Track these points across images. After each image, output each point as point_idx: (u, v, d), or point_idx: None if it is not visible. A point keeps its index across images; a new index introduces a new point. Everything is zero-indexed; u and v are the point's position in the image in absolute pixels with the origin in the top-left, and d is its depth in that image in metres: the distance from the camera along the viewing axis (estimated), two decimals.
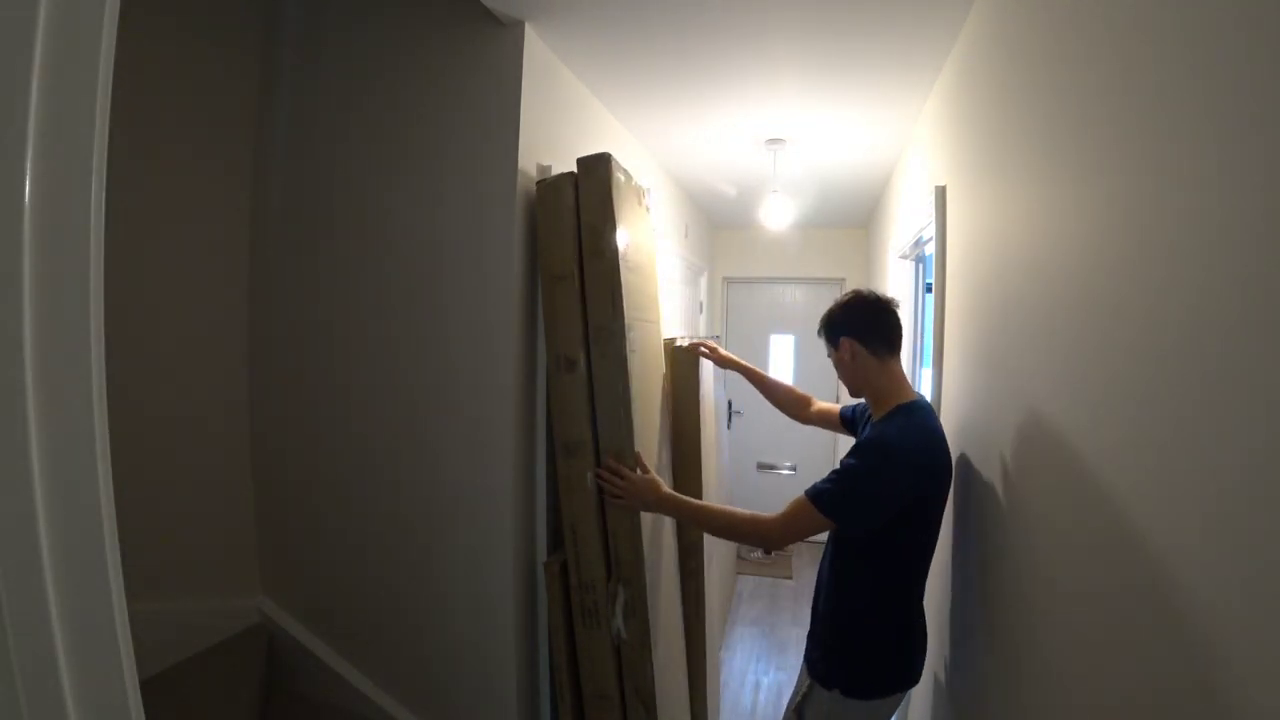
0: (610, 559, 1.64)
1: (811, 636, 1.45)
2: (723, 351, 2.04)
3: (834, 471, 1.26)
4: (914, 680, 1.35)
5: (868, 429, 1.43)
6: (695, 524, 1.51)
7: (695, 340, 2.06)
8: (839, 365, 1.44)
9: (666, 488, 1.51)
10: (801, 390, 1.92)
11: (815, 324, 1.50)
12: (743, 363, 2.01)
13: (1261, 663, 0.50)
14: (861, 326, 1.38)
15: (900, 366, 1.40)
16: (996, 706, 1.19)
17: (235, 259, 2.10)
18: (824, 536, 1.42)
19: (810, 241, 4.57)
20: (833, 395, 3.62)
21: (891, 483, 1.22)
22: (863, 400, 1.52)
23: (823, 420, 1.82)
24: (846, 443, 1.60)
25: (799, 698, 1.44)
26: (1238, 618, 0.54)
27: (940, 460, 1.29)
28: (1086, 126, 0.88)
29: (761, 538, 1.35)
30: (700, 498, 2.11)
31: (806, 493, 1.26)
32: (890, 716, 1.37)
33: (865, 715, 1.32)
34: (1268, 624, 0.50)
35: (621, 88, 2.11)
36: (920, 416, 1.31)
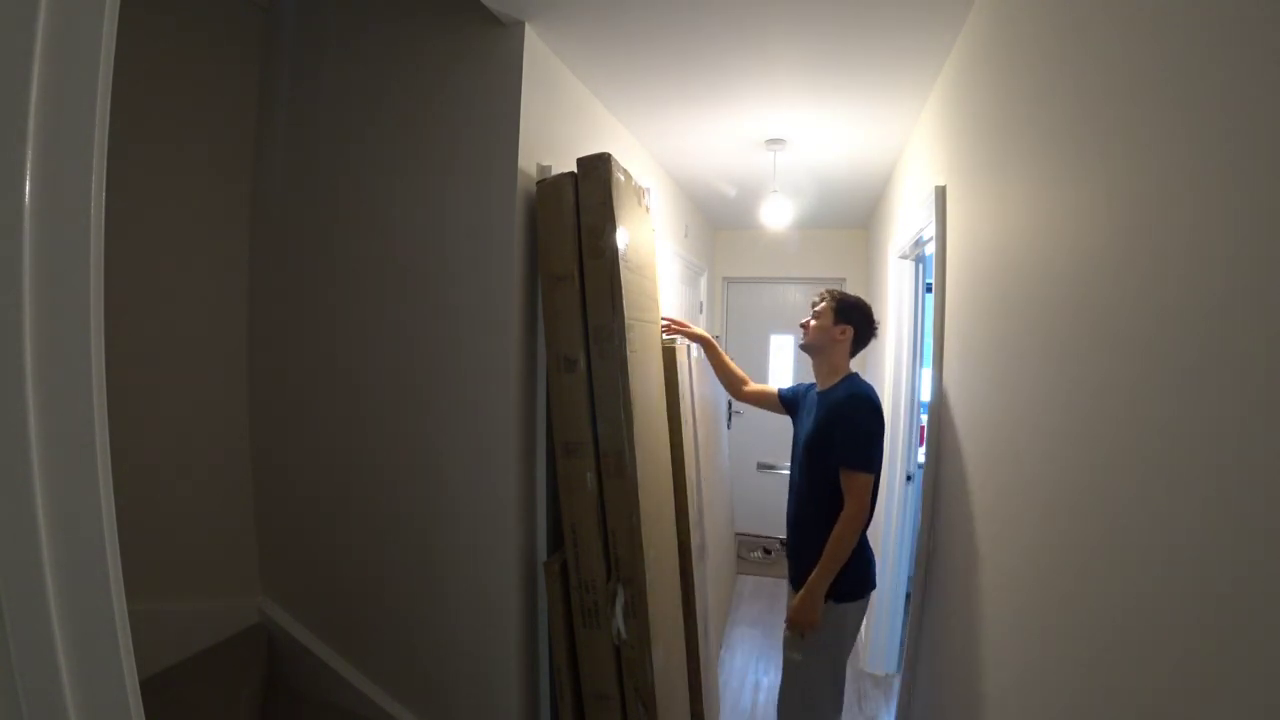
0: (610, 559, 1.64)
1: (800, 566, 1.78)
2: (692, 328, 2.26)
3: (845, 436, 1.67)
4: (874, 584, 1.83)
5: (817, 397, 1.85)
6: (840, 562, 1.68)
7: (666, 320, 2.22)
8: (824, 330, 1.82)
9: (808, 587, 1.68)
10: (744, 373, 2.25)
11: None
12: (707, 336, 2.29)
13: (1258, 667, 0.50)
14: (861, 330, 1.86)
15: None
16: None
17: (235, 259, 2.10)
18: (777, 488, 1.69)
19: (810, 241, 4.56)
20: None
21: (883, 424, 1.73)
22: (798, 383, 2.05)
23: (757, 399, 2.16)
24: None
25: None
26: (1235, 620, 0.54)
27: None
28: (1086, 126, 0.88)
29: (861, 526, 1.66)
30: (685, 496, 2.15)
31: (851, 467, 1.66)
32: (863, 613, 1.83)
33: (853, 613, 1.77)
34: (1265, 626, 0.50)
35: (621, 88, 2.11)
36: (865, 381, 1.81)
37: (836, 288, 1.92)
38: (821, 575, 1.66)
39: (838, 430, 1.70)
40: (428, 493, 1.80)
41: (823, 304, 1.86)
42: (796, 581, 1.81)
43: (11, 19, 0.46)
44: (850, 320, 1.83)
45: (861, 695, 2.75)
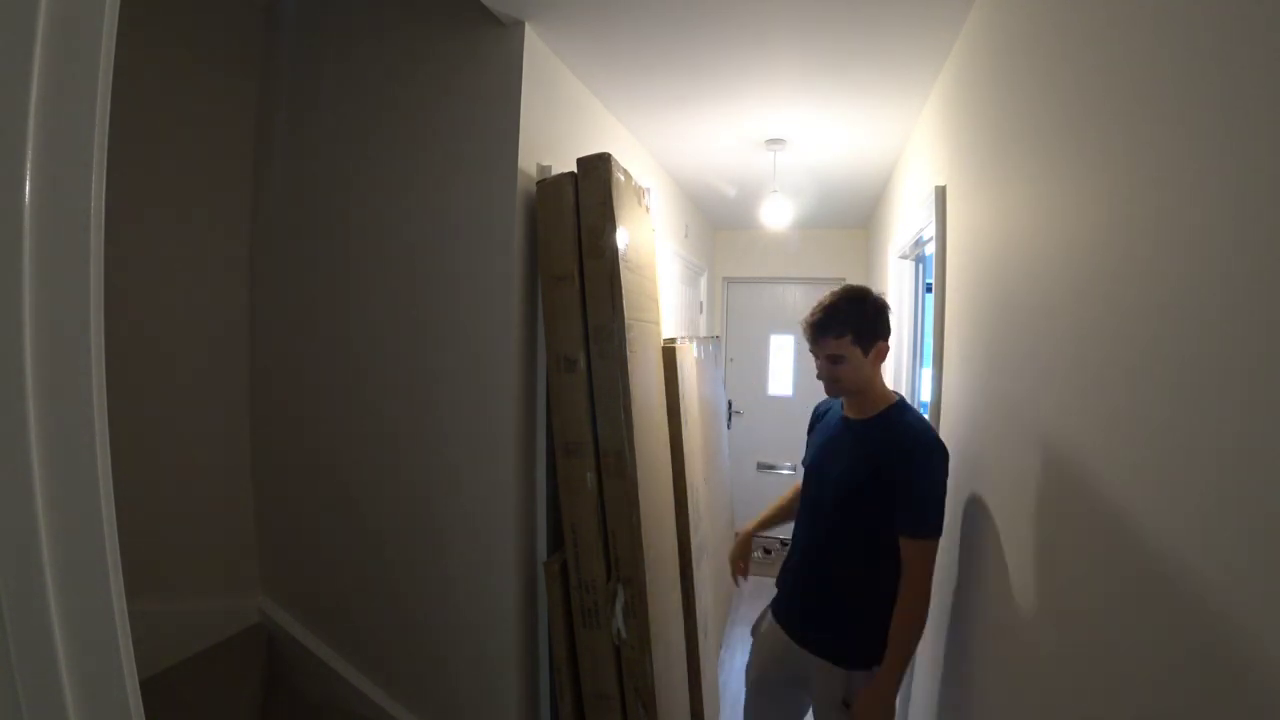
0: (610, 559, 1.64)
1: (819, 629, 1.45)
2: (749, 529, 1.76)
3: (917, 498, 1.30)
4: None
5: (847, 426, 1.46)
6: (913, 650, 1.36)
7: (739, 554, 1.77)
8: (859, 369, 1.38)
9: (881, 686, 1.33)
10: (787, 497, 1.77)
11: None
12: (772, 516, 1.76)
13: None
14: (888, 330, 1.41)
15: None
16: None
17: (236, 259, 2.10)
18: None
19: (810, 241, 4.57)
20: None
21: (948, 476, 1.33)
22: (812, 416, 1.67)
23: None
24: None
25: (840, 695, 1.40)
26: (1235, 614, 0.54)
27: None
28: (1087, 125, 0.88)
29: (925, 605, 1.34)
30: (685, 496, 2.11)
31: (916, 535, 1.30)
32: None
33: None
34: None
35: (621, 88, 2.11)
36: (913, 408, 1.43)
37: (831, 296, 1.42)
38: (894, 669, 1.32)
39: (902, 488, 1.31)
40: (427, 493, 1.80)
41: (836, 337, 1.37)
42: (846, 658, 1.42)
43: (11, 19, 0.46)
44: (878, 334, 1.40)
45: None
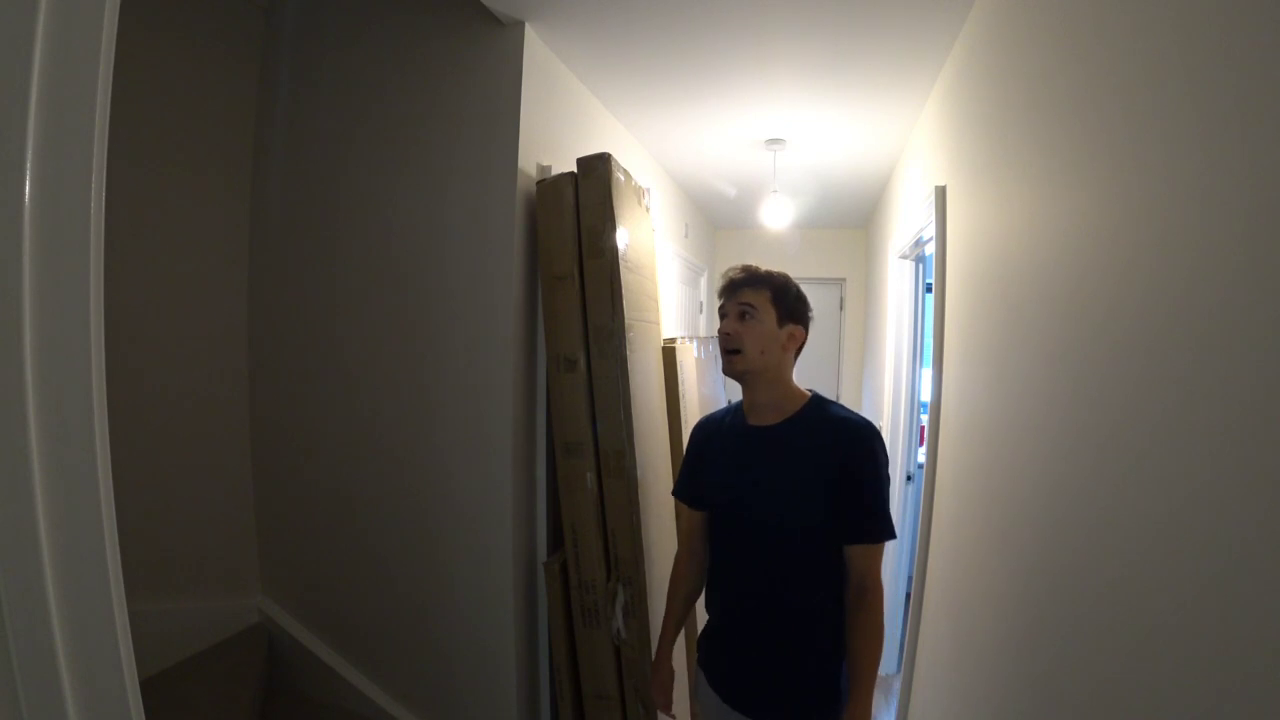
0: (610, 559, 1.64)
1: (802, 688, 1.21)
2: (666, 653, 1.41)
3: (876, 497, 1.16)
4: None
5: (767, 437, 1.24)
6: (877, 660, 1.19)
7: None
8: (771, 339, 1.22)
9: (856, 705, 1.15)
10: (685, 570, 1.43)
11: (816, 327, 1.33)
12: (681, 611, 1.44)
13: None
14: (806, 321, 1.28)
15: None
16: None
17: (235, 259, 2.10)
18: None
19: (810, 241, 4.56)
20: (835, 387, 3.57)
21: None
22: (684, 466, 1.39)
23: (700, 542, 1.40)
24: None
25: None
26: (1233, 610, 0.54)
27: None
28: (1086, 126, 0.88)
29: (881, 609, 1.19)
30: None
31: (888, 536, 1.17)
32: None
33: None
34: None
35: (621, 88, 2.11)
36: (833, 400, 1.30)
37: (748, 264, 1.29)
38: (871, 694, 1.15)
39: (866, 491, 1.16)
40: (427, 493, 1.80)
41: (751, 291, 1.23)
42: (770, 705, 1.22)
43: (11, 19, 0.46)
44: (795, 316, 1.25)
45: None
